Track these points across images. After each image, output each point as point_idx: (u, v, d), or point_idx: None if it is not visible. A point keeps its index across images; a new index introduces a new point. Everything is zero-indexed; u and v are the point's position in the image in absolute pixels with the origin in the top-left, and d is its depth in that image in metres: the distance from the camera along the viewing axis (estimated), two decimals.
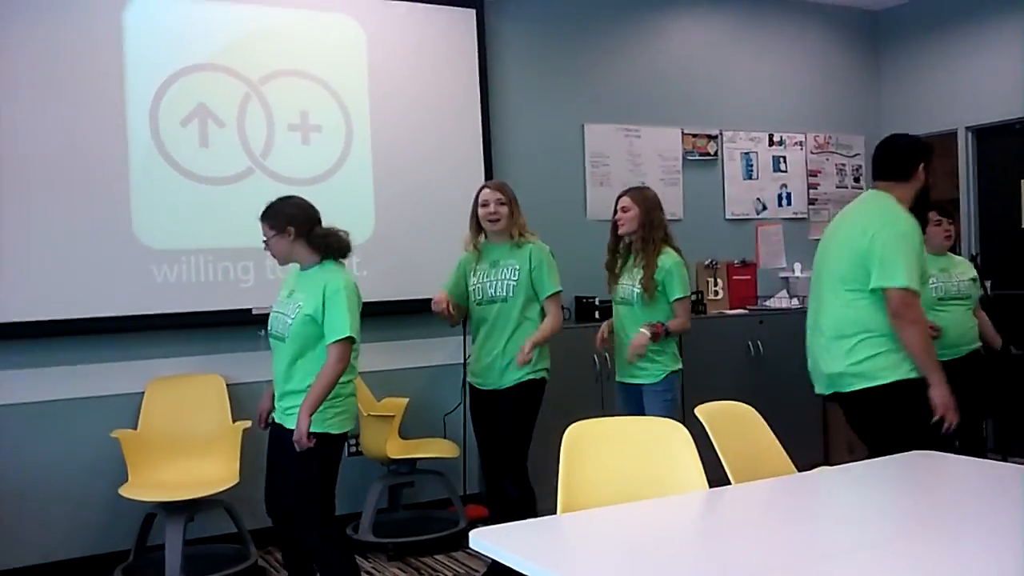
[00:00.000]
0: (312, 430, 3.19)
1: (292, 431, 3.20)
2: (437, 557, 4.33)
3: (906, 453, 2.80)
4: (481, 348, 3.90)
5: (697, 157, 5.93)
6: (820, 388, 3.48)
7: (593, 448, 2.57)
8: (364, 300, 3.39)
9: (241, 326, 4.47)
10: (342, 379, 3.27)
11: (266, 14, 4.61)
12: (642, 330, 3.89)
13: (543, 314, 3.86)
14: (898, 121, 6.52)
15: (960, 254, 4.95)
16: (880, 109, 6.59)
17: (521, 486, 3.84)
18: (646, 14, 5.78)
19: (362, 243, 4.71)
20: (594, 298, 5.13)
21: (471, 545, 2.04)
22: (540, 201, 5.34)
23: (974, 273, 4.44)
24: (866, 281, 3.21)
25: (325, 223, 3.43)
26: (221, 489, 3.93)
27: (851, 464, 2.72)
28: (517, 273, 3.82)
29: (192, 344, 4.44)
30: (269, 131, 4.62)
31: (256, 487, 4.47)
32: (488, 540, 2.01)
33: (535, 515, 3.79)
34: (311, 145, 4.71)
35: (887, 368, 3.22)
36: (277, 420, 3.39)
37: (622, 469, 2.56)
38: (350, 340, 3.24)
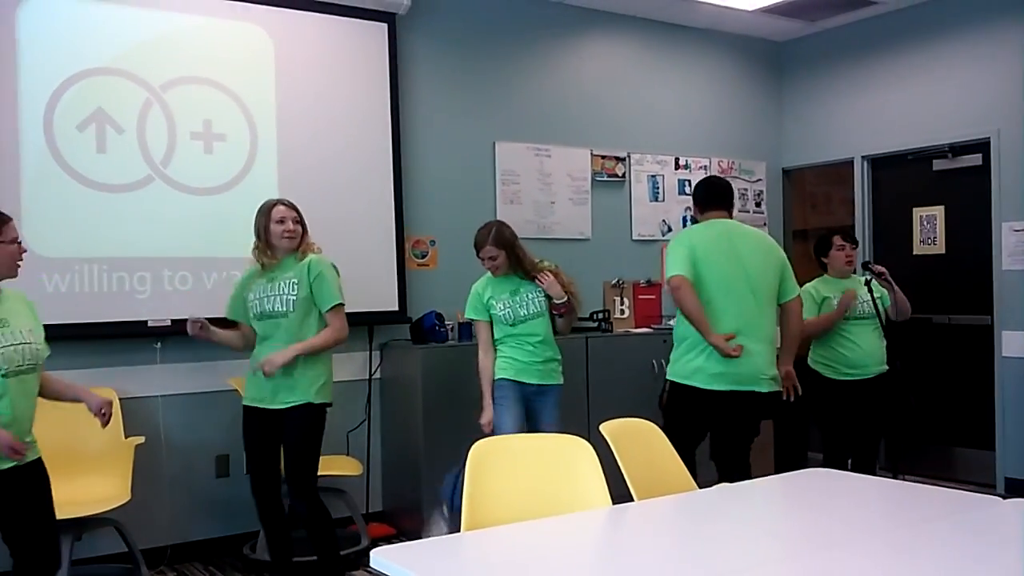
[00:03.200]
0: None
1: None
2: None
3: (804, 471, 2.87)
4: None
5: (605, 178, 6.00)
6: (751, 386, 3.77)
7: (498, 465, 2.55)
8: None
9: (136, 338, 4.34)
10: None
11: (170, 19, 4.49)
12: None
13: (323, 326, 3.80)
14: (798, 149, 6.74)
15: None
16: (782, 137, 6.79)
17: (310, 503, 3.78)
18: (559, 34, 5.84)
19: None
20: None
21: (372, 564, 2.00)
22: (450, 218, 5.34)
23: (868, 296, 4.61)
24: (777, 294, 3.93)
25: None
26: (111, 507, 3.80)
27: (750, 481, 2.77)
28: (295, 287, 3.73)
29: (84, 356, 4.26)
30: (170, 138, 4.49)
31: (149, 505, 4.33)
32: (390, 559, 1.98)
33: (333, 531, 3.84)
34: (214, 154, 4.59)
35: None
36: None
37: (527, 486, 2.55)
38: None
